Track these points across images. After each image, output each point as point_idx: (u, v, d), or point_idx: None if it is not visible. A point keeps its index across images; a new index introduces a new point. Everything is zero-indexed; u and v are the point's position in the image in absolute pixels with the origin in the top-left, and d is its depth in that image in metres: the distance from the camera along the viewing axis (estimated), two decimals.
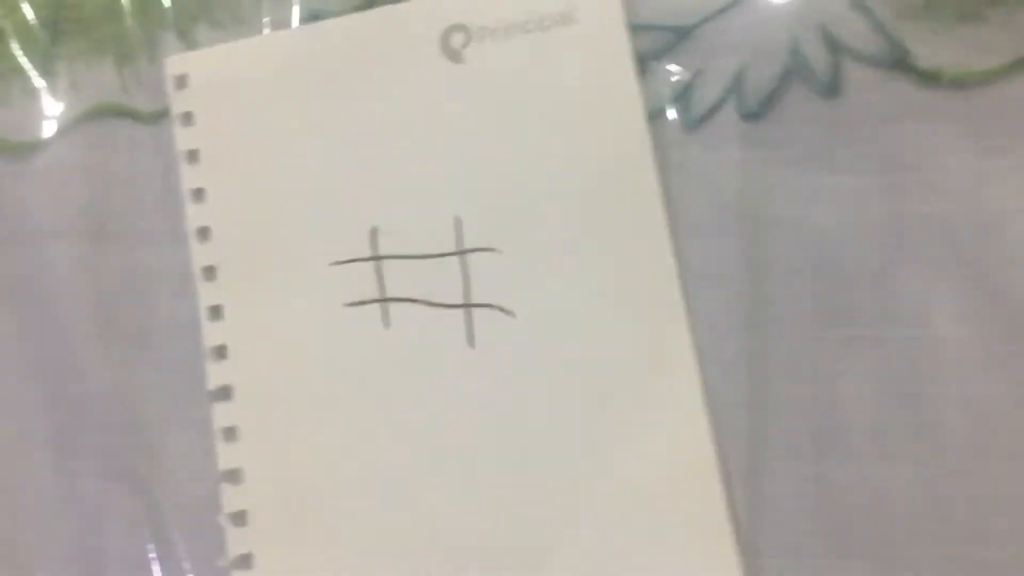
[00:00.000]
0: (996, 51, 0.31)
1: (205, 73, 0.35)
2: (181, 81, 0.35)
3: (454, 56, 0.34)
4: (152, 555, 0.34)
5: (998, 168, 0.31)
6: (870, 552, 0.30)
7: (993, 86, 0.31)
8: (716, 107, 0.33)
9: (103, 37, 0.37)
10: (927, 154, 0.31)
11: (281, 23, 0.35)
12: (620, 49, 0.33)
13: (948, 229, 0.31)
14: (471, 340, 0.33)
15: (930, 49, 0.32)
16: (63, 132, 0.36)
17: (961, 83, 0.31)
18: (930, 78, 0.31)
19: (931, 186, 0.31)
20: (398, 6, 0.34)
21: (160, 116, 0.36)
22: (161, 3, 0.36)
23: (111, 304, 0.35)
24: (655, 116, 0.33)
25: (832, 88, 0.32)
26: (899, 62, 0.32)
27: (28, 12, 0.37)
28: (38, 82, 0.37)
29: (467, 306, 0.33)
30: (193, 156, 0.35)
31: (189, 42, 0.36)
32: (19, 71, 0.37)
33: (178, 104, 0.35)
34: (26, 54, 0.37)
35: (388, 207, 0.34)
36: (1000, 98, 0.31)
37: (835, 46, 0.32)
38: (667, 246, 0.32)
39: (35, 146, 0.36)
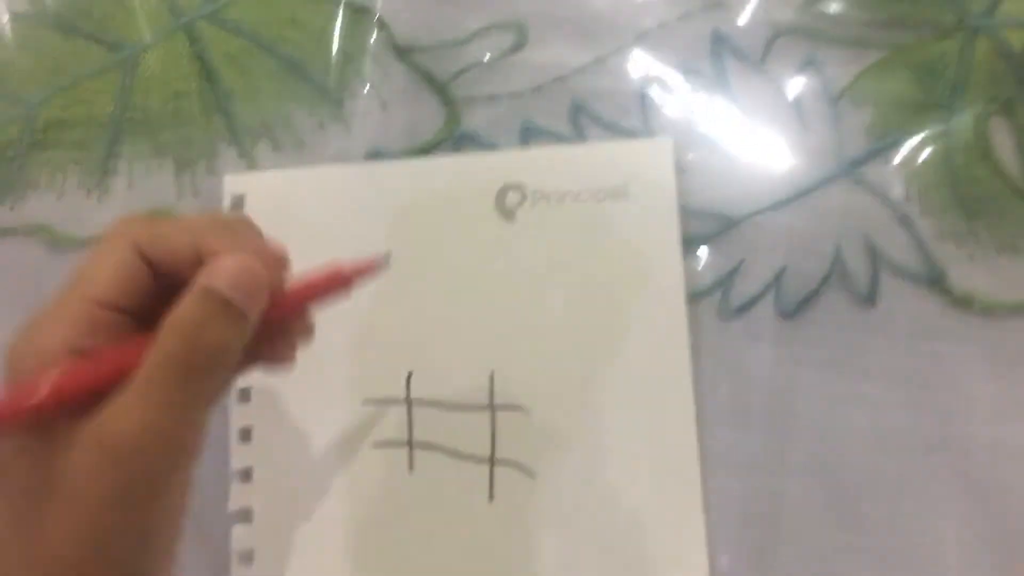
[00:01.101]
0: None
1: (263, 196, 0.36)
2: (238, 201, 0.36)
3: (507, 215, 0.35)
4: None
5: (1018, 399, 0.32)
6: None
7: (1021, 318, 0.32)
8: (755, 300, 0.34)
9: (166, 141, 0.37)
10: (952, 377, 0.32)
11: (339, 154, 0.36)
12: (669, 229, 0.34)
13: (963, 453, 0.32)
14: (491, 495, 0.34)
15: (966, 273, 0.33)
16: None
17: (991, 312, 0.33)
18: (962, 302, 0.33)
19: (952, 409, 0.32)
20: (461, 157, 0.35)
21: None
22: (227, 116, 0.37)
23: None
24: (695, 299, 0.34)
25: (869, 298, 0.33)
26: (935, 282, 0.33)
27: (94, 108, 0.38)
28: (96, 178, 0.37)
29: (491, 461, 0.34)
30: None
31: (249, 159, 0.37)
32: (79, 164, 0.37)
33: None
34: (88, 149, 0.37)
35: (426, 352, 0.35)
36: None
37: (876, 257, 0.33)
38: (692, 429, 0.33)
39: (81, 242, 0.37)
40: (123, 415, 0.22)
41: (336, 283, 0.27)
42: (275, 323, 0.25)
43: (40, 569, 0.22)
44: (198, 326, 0.23)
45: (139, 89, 0.37)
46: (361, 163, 0.36)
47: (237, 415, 0.35)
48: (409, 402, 0.34)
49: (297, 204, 0.36)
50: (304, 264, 0.34)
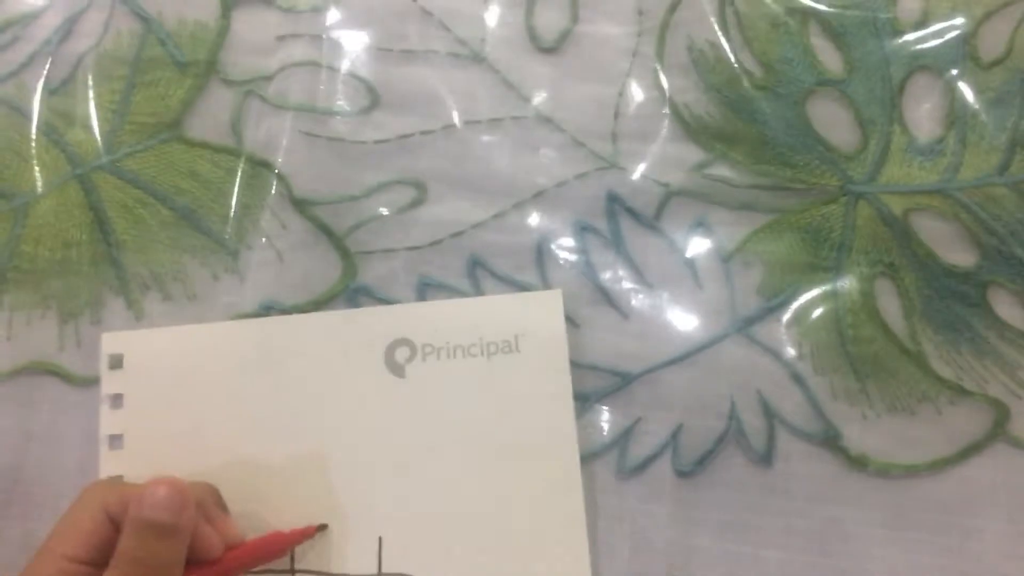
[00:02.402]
0: (921, 446, 0.32)
1: (142, 355, 0.34)
2: (116, 360, 0.34)
3: (397, 370, 0.34)
4: None
5: (914, 564, 0.31)
6: None
7: (916, 479, 0.32)
8: (651, 459, 0.33)
9: (51, 291, 0.36)
10: (848, 540, 0.32)
11: (231, 307, 0.35)
12: (561, 386, 0.33)
13: None
14: None
15: (860, 433, 0.33)
16: None
17: (886, 473, 0.32)
18: (858, 463, 0.32)
19: (846, 573, 0.31)
20: (352, 312, 0.35)
21: (92, 383, 0.35)
22: (116, 266, 0.36)
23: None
24: (590, 458, 0.33)
25: (766, 458, 0.33)
26: (829, 441, 0.33)
27: None
28: None
29: None
30: (116, 441, 0.34)
31: (136, 311, 0.36)
32: None
33: (108, 384, 0.34)
34: None
35: (309, 515, 0.33)
36: (921, 493, 0.32)
37: (771, 415, 0.33)
38: None
39: None
40: None
41: (274, 548, 0.31)
42: None
43: None
44: (135, 555, 0.27)
45: (29, 238, 0.36)
46: (249, 319, 0.35)
47: None
48: (294, 571, 0.32)
49: (181, 361, 0.34)
50: (184, 425, 0.33)
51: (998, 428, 0.32)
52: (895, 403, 0.33)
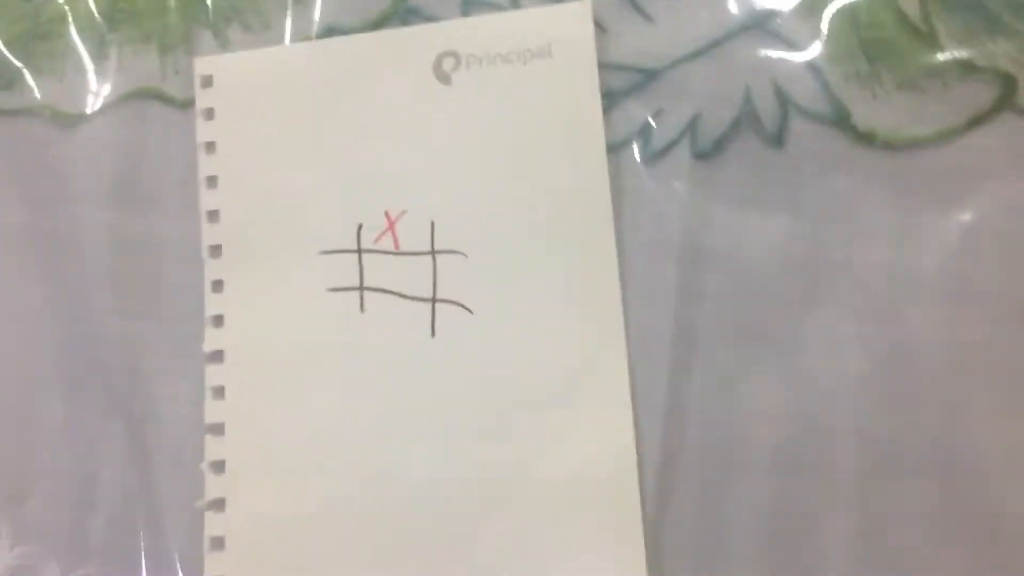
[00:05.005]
0: (927, 120, 0.34)
1: (228, 75, 0.40)
2: (207, 80, 0.40)
3: (444, 79, 0.38)
4: (137, 490, 0.39)
5: (915, 226, 0.34)
6: (764, 557, 0.34)
7: (920, 151, 0.34)
8: (671, 145, 0.36)
9: (150, 29, 0.41)
10: (854, 207, 0.34)
11: (301, 32, 0.40)
12: (589, 85, 0.37)
13: (863, 277, 0.34)
14: (433, 331, 0.37)
15: (869, 112, 0.35)
16: (106, 109, 0.41)
17: (892, 146, 0.34)
18: (865, 138, 0.35)
19: (853, 237, 0.34)
20: (401, 30, 0.39)
21: (190, 103, 0.40)
22: (202, 3, 0.41)
23: (129, 265, 0.40)
24: (617, 148, 0.37)
25: (777, 139, 0.35)
26: (840, 121, 0.35)
27: (90, 2, 0.42)
28: (90, 63, 0.42)
29: (432, 300, 0.37)
30: (211, 147, 0.39)
31: (222, 40, 0.41)
32: (76, 51, 0.42)
33: (202, 100, 0.40)
34: (83, 39, 0.42)
35: (374, 207, 0.38)
36: (924, 163, 0.34)
37: (784, 101, 0.35)
38: (613, 264, 0.36)
39: (80, 118, 0.41)
40: None
41: None
42: None
43: None
44: None
45: None
46: (315, 40, 0.40)
47: (211, 268, 0.39)
48: (359, 251, 0.38)
49: (258, 81, 0.39)
50: (266, 134, 0.38)
51: (1005, 99, 0.34)
52: (904, 81, 0.34)
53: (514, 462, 0.36)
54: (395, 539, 0.36)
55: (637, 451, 0.35)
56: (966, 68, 0.34)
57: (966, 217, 0.34)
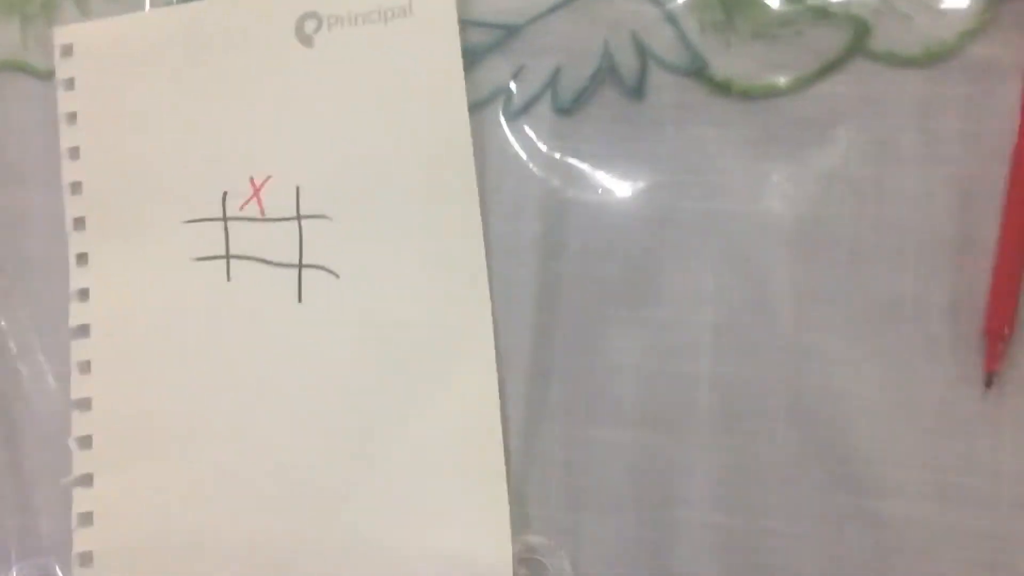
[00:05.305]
0: (782, 68, 0.34)
1: (88, 44, 0.39)
2: (67, 50, 0.39)
3: (306, 41, 0.37)
4: (4, 468, 0.38)
5: (770, 173, 0.34)
6: (627, 506, 0.34)
7: (775, 100, 0.34)
8: (533, 101, 0.36)
9: (11, 0, 0.41)
10: (711, 157, 0.34)
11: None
12: (450, 43, 0.36)
13: (720, 226, 0.34)
14: (300, 296, 0.36)
15: (726, 62, 0.34)
16: None
17: (748, 95, 0.34)
18: (722, 88, 0.34)
19: (711, 187, 0.34)
20: None
21: (53, 74, 0.39)
22: None
23: None
24: (480, 106, 0.36)
25: (637, 91, 0.35)
26: (697, 72, 0.35)
27: None
28: None
29: (299, 266, 0.36)
30: (72, 118, 0.39)
31: (84, 9, 0.40)
32: None
33: (62, 70, 0.39)
34: None
35: (238, 174, 0.37)
36: (779, 112, 0.34)
37: (643, 53, 0.35)
38: (478, 224, 0.35)
39: None
40: None
41: None
42: None
43: None
44: None
45: None
46: (175, 5, 0.39)
47: (75, 242, 0.38)
48: (225, 218, 0.37)
49: (117, 49, 0.39)
50: (127, 103, 0.38)
51: (857, 44, 0.34)
52: (759, 30, 0.34)
53: (381, 424, 0.35)
54: (266, 506, 0.36)
55: (502, 409, 0.34)
56: (819, 14, 0.34)
57: (821, 164, 0.33)
